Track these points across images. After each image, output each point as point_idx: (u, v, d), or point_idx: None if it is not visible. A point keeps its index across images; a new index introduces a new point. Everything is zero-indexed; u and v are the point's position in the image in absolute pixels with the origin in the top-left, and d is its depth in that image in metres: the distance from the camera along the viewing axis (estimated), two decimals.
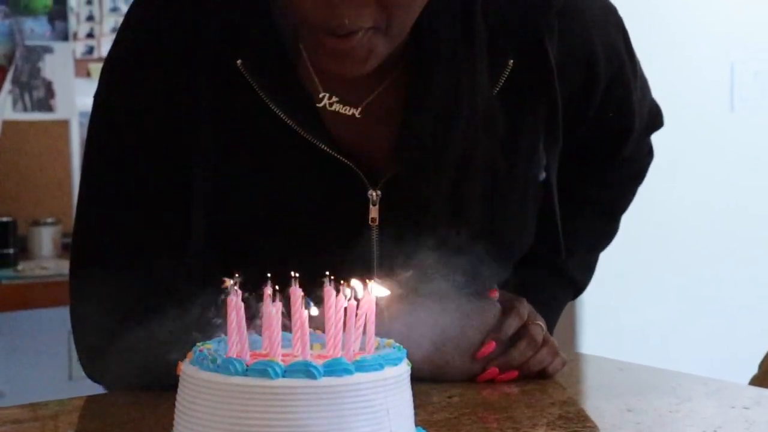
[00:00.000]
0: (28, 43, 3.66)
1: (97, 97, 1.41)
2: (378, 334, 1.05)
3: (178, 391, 1.03)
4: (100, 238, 1.37)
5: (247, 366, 0.98)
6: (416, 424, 1.05)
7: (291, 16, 1.29)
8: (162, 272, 1.30)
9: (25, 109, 3.67)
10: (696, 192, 3.53)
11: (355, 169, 1.33)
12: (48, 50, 3.69)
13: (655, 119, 1.59)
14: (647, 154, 1.61)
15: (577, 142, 1.46)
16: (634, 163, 1.60)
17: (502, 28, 1.34)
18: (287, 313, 1.00)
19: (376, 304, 1.07)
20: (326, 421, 0.97)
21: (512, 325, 1.36)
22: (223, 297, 1.02)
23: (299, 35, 1.30)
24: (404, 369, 1.04)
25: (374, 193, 1.34)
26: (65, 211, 3.65)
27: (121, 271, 1.31)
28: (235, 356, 1.01)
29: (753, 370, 1.73)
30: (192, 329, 1.14)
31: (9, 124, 3.61)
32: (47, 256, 3.46)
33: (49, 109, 3.71)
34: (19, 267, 3.31)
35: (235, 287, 1.02)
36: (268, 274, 1.01)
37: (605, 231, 1.61)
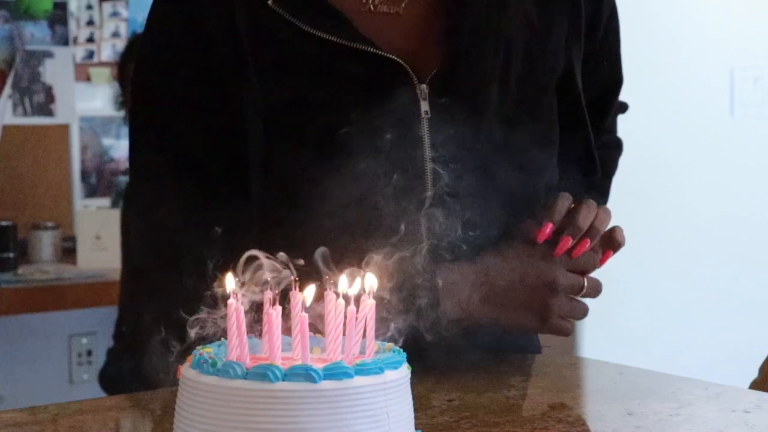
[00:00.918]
0: (29, 47, 3.66)
1: (135, 78, 1.43)
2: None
3: (178, 395, 1.03)
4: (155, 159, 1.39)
5: (247, 369, 0.98)
6: (416, 428, 1.05)
7: None
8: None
9: (25, 114, 3.67)
10: (696, 196, 3.53)
11: (401, 62, 1.35)
12: (48, 55, 3.70)
13: (621, 102, 1.64)
14: (618, 145, 1.66)
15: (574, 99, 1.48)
16: (610, 135, 1.64)
17: None
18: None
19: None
20: (326, 425, 0.96)
21: (564, 204, 1.39)
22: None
23: None
24: (404, 372, 1.04)
25: (423, 87, 1.37)
26: (65, 215, 3.66)
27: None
28: (234, 360, 1.01)
29: (753, 373, 1.73)
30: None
31: (9, 129, 3.61)
32: (47, 260, 3.46)
33: (49, 113, 3.71)
34: (19, 271, 3.31)
35: (237, 291, 1.02)
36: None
37: (601, 185, 1.62)
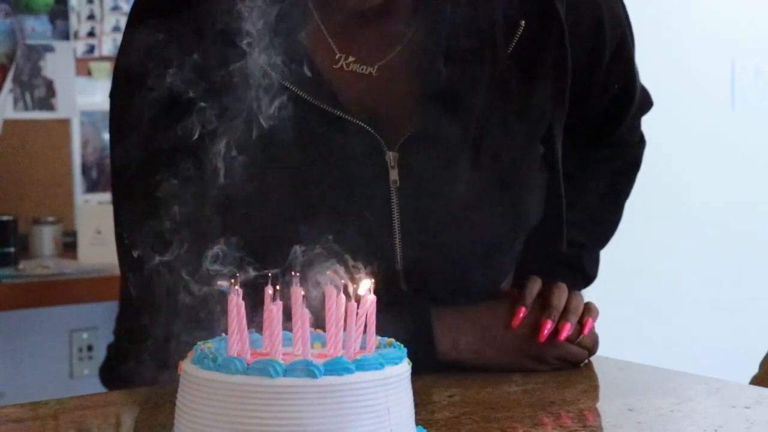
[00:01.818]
0: (29, 41, 3.65)
1: (112, 92, 1.42)
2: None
3: (179, 390, 1.03)
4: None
5: (248, 365, 0.98)
6: (417, 423, 1.05)
7: None
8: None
9: (26, 108, 3.67)
10: (697, 189, 3.53)
11: (370, 130, 1.34)
12: (49, 49, 3.69)
13: (645, 100, 1.60)
14: (639, 141, 1.64)
15: (581, 117, 1.47)
16: (628, 149, 1.63)
17: None
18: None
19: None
20: (327, 420, 0.97)
21: (533, 287, 1.42)
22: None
23: None
24: (405, 368, 1.04)
25: (392, 155, 1.35)
26: (66, 209, 3.65)
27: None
28: (235, 355, 1.01)
29: (754, 369, 1.73)
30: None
31: (10, 123, 3.61)
32: (48, 255, 3.45)
33: (50, 108, 3.70)
34: (20, 266, 3.31)
35: (236, 287, 1.02)
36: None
37: (610, 219, 1.63)
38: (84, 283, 3.25)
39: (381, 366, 1.01)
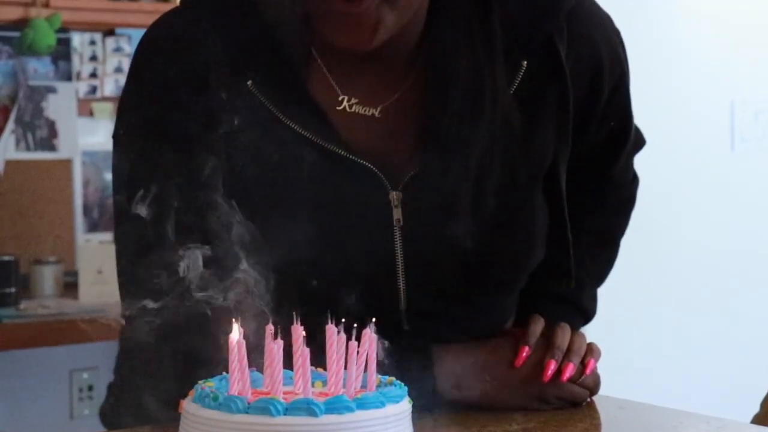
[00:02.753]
0: (32, 83, 3.67)
1: (115, 134, 1.41)
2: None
3: (180, 429, 1.03)
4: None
5: (249, 404, 0.99)
6: None
7: (302, 33, 1.32)
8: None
9: (27, 149, 3.68)
10: (696, 230, 3.53)
11: (374, 170, 1.34)
12: (51, 90, 3.71)
13: (638, 139, 1.61)
14: (633, 180, 1.64)
15: (577, 154, 1.47)
16: (622, 189, 1.63)
17: (514, 30, 1.36)
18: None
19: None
20: None
21: (536, 326, 1.43)
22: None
23: (312, 13, 1.30)
24: (406, 406, 1.04)
25: (395, 195, 1.35)
26: (67, 250, 3.66)
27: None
28: (236, 394, 1.01)
29: (754, 408, 1.73)
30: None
31: (12, 164, 3.62)
32: (49, 295, 3.45)
33: (52, 148, 3.72)
34: (21, 306, 3.31)
35: (237, 325, 1.02)
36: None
37: (607, 257, 1.64)
38: (85, 322, 3.25)
39: (382, 404, 1.01)
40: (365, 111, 1.37)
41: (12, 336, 3.17)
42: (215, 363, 1.11)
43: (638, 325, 3.44)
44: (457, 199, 1.35)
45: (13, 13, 3.52)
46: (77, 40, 3.75)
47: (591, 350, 1.43)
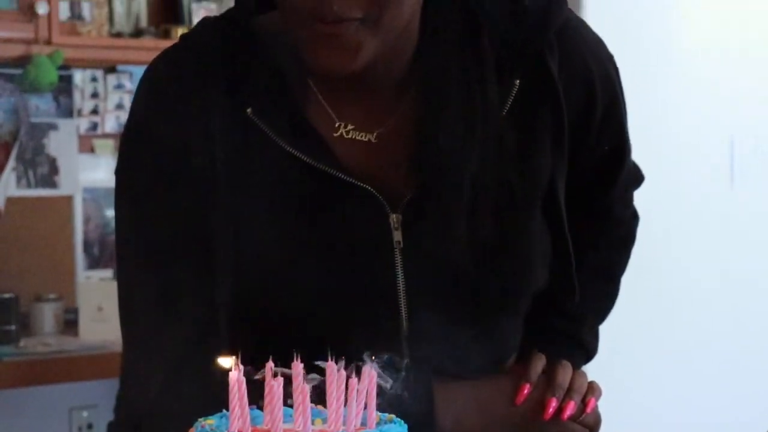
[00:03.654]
0: (33, 119, 3.69)
1: (118, 169, 1.42)
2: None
3: None
4: (134, 301, 1.39)
5: None
6: None
7: (297, 61, 1.33)
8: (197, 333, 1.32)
9: (29, 186, 3.69)
10: (696, 264, 3.52)
11: (374, 193, 1.34)
12: (53, 127, 3.72)
13: (636, 174, 1.62)
14: (632, 217, 1.64)
15: (572, 179, 1.47)
16: (622, 227, 1.62)
17: (504, 49, 1.36)
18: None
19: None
20: None
21: (538, 364, 1.43)
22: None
23: (295, 39, 1.31)
24: None
25: (395, 217, 1.36)
26: (68, 287, 3.66)
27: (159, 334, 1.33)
28: (236, 431, 1.01)
29: None
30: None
31: (13, 201, 3.63)
32: (49, 333, 3.45)
33: (53, 185, 3.73)
34: (21, 343, 3.31)
35: (237, 363, 1.02)
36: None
37: (607, 293, 1.63)
38: (85, 360, 3.25)
39: None
40: (362, 137, 1.37)
41: (12, 374, 3.17)
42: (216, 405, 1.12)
43: (640, 362, 3.43)
44: (452, 221, 1.35)
45: (15, 50, 3.55)
46: (79, 77, 3.77)
47: (592, 389, 1.43)
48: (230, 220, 1.33)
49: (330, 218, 1.36)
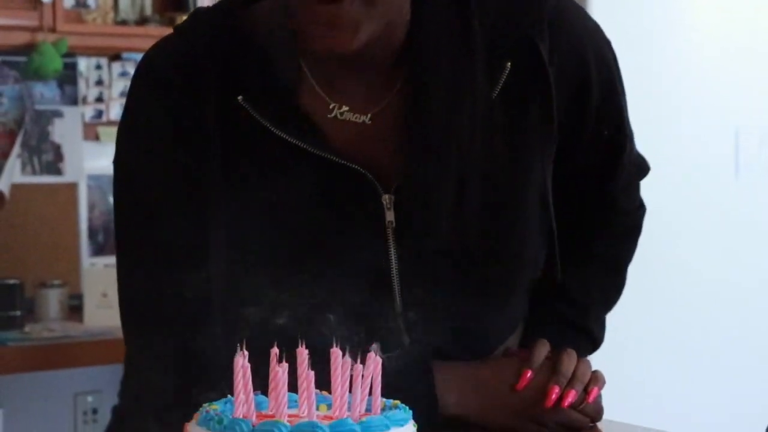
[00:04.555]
0: (38, 107, 3.69)
1: (115, 160, 1.43)
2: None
3: None
4: (135, 295, 1.41)
5: (254, 426, 0.98)
6: None
7: (291, 48, 1.36)
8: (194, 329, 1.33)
9: (33, 173, 3.69)
10: (700, 255, 3.53)
11: (366, 174, 1.36)
12: (57, 114, 3.73)
13: (642, 164, 1.61)
14: (639, 207, 1.64)
15: (574, 167, 1.48)
16: (628, 217, 1.63)
17: (495, 31, 1.38)
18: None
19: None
20: None
21: (542, 350, 1.44)
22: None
23: (294, 21, 1.32)
24: (410, 430, 1.04)
25: (387, 198, 1.37)
26: (72, 273, 3.66)
27: (159, 328, 1.36)
28: (241, 417, 1.01)
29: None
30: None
31: (18, 187, 3.63)
32: (54, 318, 3.46)
33: (58, 172, 3.73)
34: (26, 329, 3.31)
35: (242, 349, 1.02)
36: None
37: (614, 283, 1.63)
38: (89, 346, 3.25)
39: (387, 428, 1.00)
40: (356, 118, 1.38)
41: (17, 359, 3.17)
42: (219, 386, 1.12)
43: (644, 351, 3.43)
44: (440, 200, 1.37)
45: (20, 38, 3.55)
46: (83, 64, 3.78)
47: (595, 378, 1.44)
48: (224, 203, 1.34)
49: (323, 200, 1.37)
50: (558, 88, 1.39)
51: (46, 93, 3.72)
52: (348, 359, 1.03)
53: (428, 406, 1.34)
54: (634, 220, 1.64)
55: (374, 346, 1.06)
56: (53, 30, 3.56)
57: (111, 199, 3.78)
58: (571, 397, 1.40)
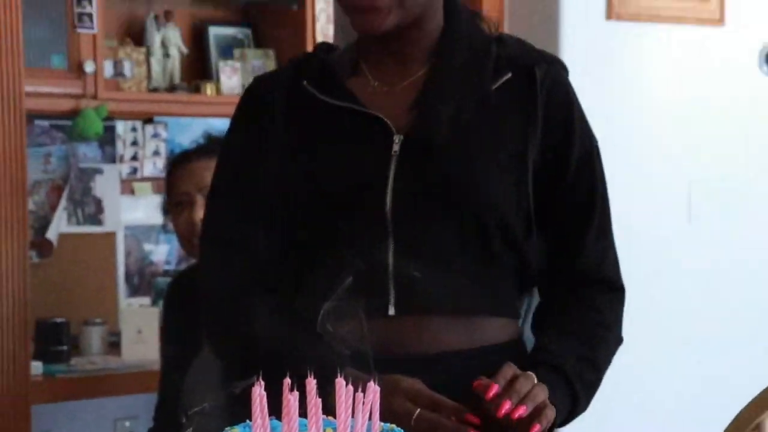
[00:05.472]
0: (81, 165, 3.71)
1: (224, 138, 1.74)
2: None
3: None
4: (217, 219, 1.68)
5: None
6: None
7: (351, 53, 1.68)
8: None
9: (78, 223, 3.71)
10: (655, 301, 3.38)
11: (386, 120, 1.60)
12: (98, 171, 3.75)
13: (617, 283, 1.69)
14: (622, 288, 1.69)
15: (553, 218, 1.60)
16: (616, 293, 1.68)
17: (506, 56, 1.62)
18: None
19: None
20: None
21: (508, 371, 1.44)
22: None
23: (342, 7, 1.61)
24: None
25: (397, 137, 1.59)
26: (111, 312, 3.67)
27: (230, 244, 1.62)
28: None
29: None
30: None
31: (64, 237, 3.65)
32: (96, 353, 3.46)
33: (99, 223, 3.75)
34: (72, 362, 3.32)
35: (258, 380, 1.04)
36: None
37: (602, 354, 1.63)
38: (127, 377, 3.26)
39: None
40: (387, 88, 1.64)
41: (64, 389, 3.18)
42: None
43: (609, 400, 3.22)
44: (432, 143, 1.58)
45: (66, 104, 3.56)
46: (121, 127, 3.78)
47: (544, 409, 1.42)
48: (286, 150, 1.62)
49: (350, 137, 1.61)
50: (548, 109, 1.59)
51: (88, 153, 3.73)
52: (350, 388, 1.05)
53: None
54: (607, 317, 1.66)
55: (374, 377, 1.08)
56: (95, 97, 3.56)
57: (145, 247, 3.81)
58: (521, 411, 1.38)
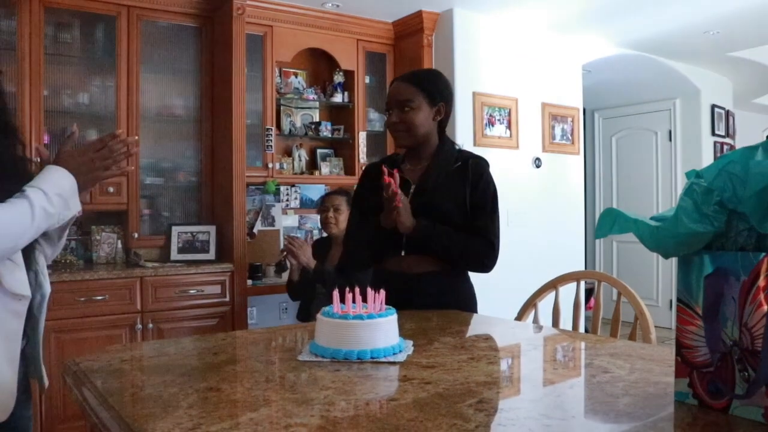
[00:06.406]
0: (267, 203, 3.59)
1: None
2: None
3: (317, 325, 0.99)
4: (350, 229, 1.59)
5: (339, 314, 0.97)
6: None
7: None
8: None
9: (264, 225, 3.57)
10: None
11: (409, 180, 1.53)
12: (272, 205, 3.59)
13: (489, 248, 1.58)
14: (492, 242, 1.58)
15: (470, 210, 1.57)
16: (486, 240, 1.58)
17: (459, 155, 1.54)
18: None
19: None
20: (365, 333, 0.94)
21: (403, 199, 1.45)
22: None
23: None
24: (394, 315, 0.99)
25: (413, 186, 1.53)
26: None
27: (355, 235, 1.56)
28: (334, 311, 1.00)
29: None
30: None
31: (260, 231, 3.47)
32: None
33: (273, 225, 3.61)
34: None
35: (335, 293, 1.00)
36: None
37: (454, 243, 1.55)
38: None
39: (387, 315, 0.98)
40: (410, 167, 1.56)
41: None
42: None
43: None
44: (425, 191, 1.50)
45: (259, 179, 3.52)
46: (283, 189, 3.72)
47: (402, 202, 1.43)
48: (367, 202, 1.53)
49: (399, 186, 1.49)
50: (473, 179, 1.51)
51: (269, 198, 3.67)
52: (382, 294, 1.01)
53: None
54: (481, 248, 1.57)
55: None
56: (271, 177, 3.50)
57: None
58: (393, 185, 1.39)
